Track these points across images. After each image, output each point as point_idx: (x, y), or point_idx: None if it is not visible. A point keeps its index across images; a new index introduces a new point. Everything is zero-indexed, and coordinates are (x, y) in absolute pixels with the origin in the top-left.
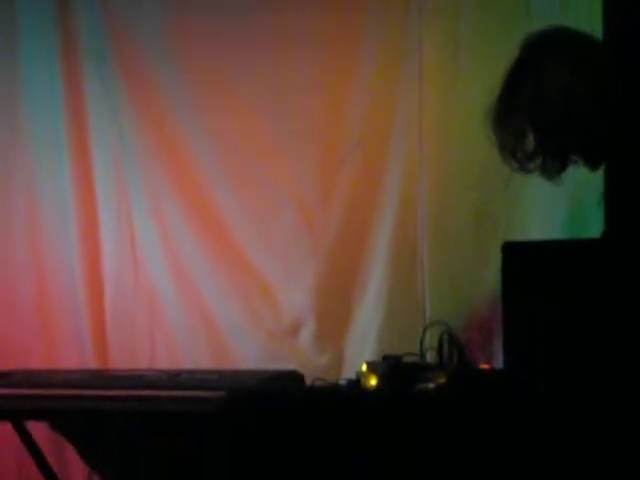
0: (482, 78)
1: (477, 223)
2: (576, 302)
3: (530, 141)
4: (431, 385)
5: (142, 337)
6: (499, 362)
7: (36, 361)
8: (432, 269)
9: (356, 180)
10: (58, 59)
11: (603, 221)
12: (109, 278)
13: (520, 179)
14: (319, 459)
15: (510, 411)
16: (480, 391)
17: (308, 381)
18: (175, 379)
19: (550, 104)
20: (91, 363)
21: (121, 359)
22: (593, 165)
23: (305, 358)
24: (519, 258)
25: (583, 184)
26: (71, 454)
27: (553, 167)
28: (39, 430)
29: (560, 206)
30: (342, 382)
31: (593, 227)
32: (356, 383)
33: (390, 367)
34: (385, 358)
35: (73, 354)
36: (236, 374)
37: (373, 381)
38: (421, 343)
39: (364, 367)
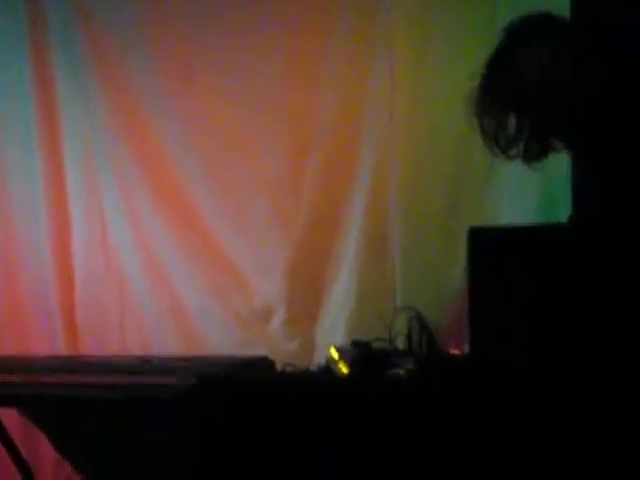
0: (453, 65)
1: (448, 210)
2: (541, 287)
3: (512, 126)
4: (401, 371)
5: (112, 323)
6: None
7: (7, 347)
8: (403, 256)
9: (327, 168)
10: (27, 47)
11: None
12: (79, 265)
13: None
14: (289, 444)
15: (477, 396)
16: (450, 376)
17: (278, 367)
18: (145, 365)
19: (532, 87)
20: (61, 349)
21: (91, 345)
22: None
23: (275, 344)
24: (485, 243)
25: (555, 170)
26: (41, 440)
27: (534, 152)
28: (9, 417)
29: (532, 193)
30: (313, 368)
31: (565, 211)
32: (326, 369)
33: (360, 353)
34: (354, 344)
35: (44, 340)
36: (206, 360)
37: (342, 367)
38: (390, 329)
39: (334, 353)
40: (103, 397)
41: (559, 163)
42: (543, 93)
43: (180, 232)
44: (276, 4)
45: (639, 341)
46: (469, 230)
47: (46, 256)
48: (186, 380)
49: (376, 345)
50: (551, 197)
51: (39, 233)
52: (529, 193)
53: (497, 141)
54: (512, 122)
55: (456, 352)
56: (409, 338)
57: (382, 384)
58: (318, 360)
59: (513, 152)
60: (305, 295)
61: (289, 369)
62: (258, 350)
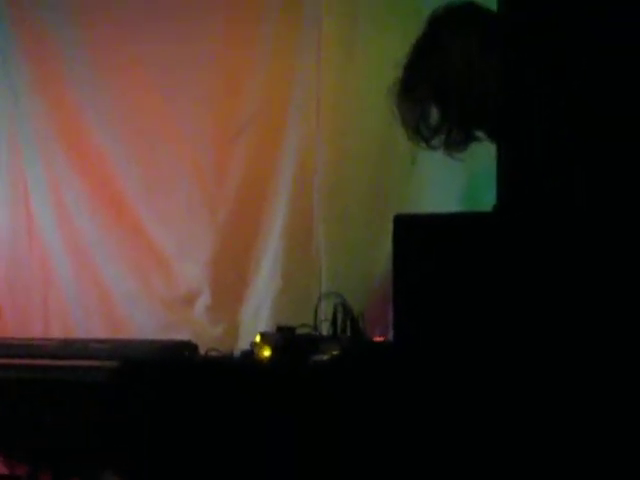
0: (380, 52)
1: (373, 196)
2: (465, 275)
3: (434, 115)
4: (324, 357)
5: (36, 307)
6: None
7: None
8: (328, 242)
9: (252, 153)
10: None
11: None
12: (2, 248)
13: (415, 152)
14: (211, 430)
15: (400, 382)
16: (373, 363)
17: (202, 351)
18: (69, 348)
19: (454, 75)
20: None
21: (14, 329)
22: (497, 140)
23: (199, 328)
24: (410, 231)
25: (479, 158)
26: None
27: (456, 142)
28: None
29: (456, 180)
30: (236, 353)
31: (488, 200)
32: (250, 354)
33: (284, 338)
34: (279, 329)
35: None
36: (130, 344)
37: (267, 352)
38: (315, 315)
39: (258, 338)
40: (26, 379)
41: (482, 152)
42: (466, 83)
43: (105, 216)
44: None
45: (557, 323)
46: (394, 217)
47: None
48: (110, 363)
49: (301, 331)
50: (473, 186)
51: None
52: (452, 181)
53: (419, 131)
54: (434, 112)
55: (380, 339)
56: (334, 324)
57: (305, 369)
58: (242, 345)
59: (435, 142)
60: (230, 280)
61: (213, 354)
62: (182, 334)
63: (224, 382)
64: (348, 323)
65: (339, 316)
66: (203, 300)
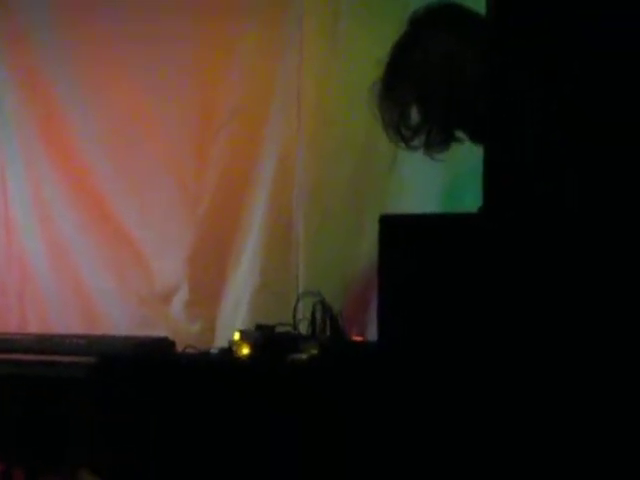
0: (362, 51)
1: (353, 194)
2: (451, 275)
3: (415, 116)
4: (303, 355)
5: (12, 302)
6: (373, 334)
7: None
8: (307, 240)
9: (232, 150)
10: None
11: (479, 195)
12: None
13: (396, 152)
14: (189, 427)
15: (381, 382)
16: (352, 363)
17: (180, 348)
18: (45, 343)
19: (434, 75)
20: None
21: None
22: (479, 141)
23: (177, 325)
24: (396, 231)
25: (459, 158)
26: None
27: (437, 143)
28: None
29: (436, 180)
30: (214, 350)
31: (469, 201)
32: (228, 351)
33: (263, 336)
34: (258, 327)
35: None
36: (107, 340)
37: (245, 350)
38: (294, 313)
39: (237, 335)
40: (1, 375)
41: (463, 153)
42: (446, 84)
43: (83, 212)
44: None
45: (543, 325)
46: (380, 217)
47: None
48: (87, 359)
49: (280, 329)
50: (454, 185)
51: None
52: (433, 181)
53: (399, 131)
54: (415, 112)
55: (359, 338)
56: (313, 323)
57: (284, 368)
58: (220, 343)
59: (415, 142)
60: (208, 277)
61: (190, 350)
62: (159, 331)
63: (202, 379)
64: (327, 322)
65: (318, 315)
66: (181, 296)
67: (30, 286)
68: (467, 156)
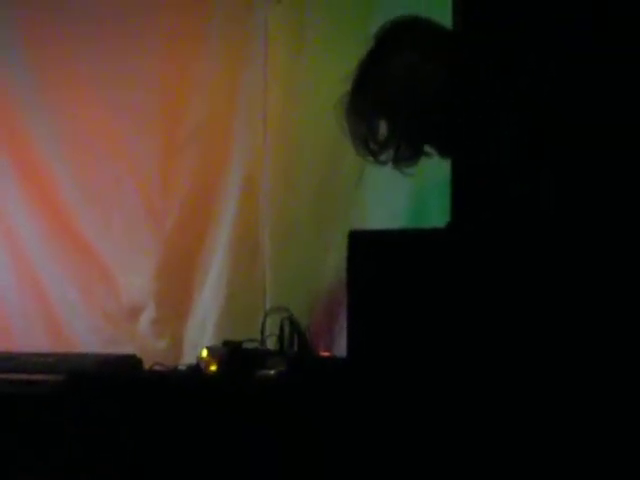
0: (328, 63)
1: (320, 210)
2: (420, 291)
3: (382, 130)
4: (271, 371)
5: None
6: (341, 349)
7: None
8: (273, 255)
9: (197, 165)
10: None
11: (445, 210)
12: None
13: (363, 167)
14: (156, 444)
15: (351, 397)
16: (320, 379)
17: (147, 365)
18: (11, 361)
19: (399, 90)
20: None
21: None
22: (447, 155)
23: (144, 342)
24: (365, 246)
25: (426, 172)
26: None
27: (405, 158)
28: None
29: (402, 194)
30: (181, 367)
31: (435, 216)
32: (196, 368)
33: (230, 353)
34: (225, 344)
35: None
36: (73, 357)
37: (213, 366)
38: (262, 329)
39: (204, 352)
40: None
41: (431, 167)
42: (410, 97)
43: (48, 227)
44: (146, 6)
45: (511, 338)
46: (350, 233)
47: None
48: (53, 376)
49: (247, 345)
50: (422, 200)
51: None
52: (400, 196)
53: (367, 146)
54: (383, 127)
55: (326, 353)
56: (280, 339)
57: (252, 385)
58: (187, 360)
59: (384, 157)
60: (174, 294)
61: (158, 368)
62: (126, 348)
63: (171, 397)
64: (295, 338)
65: (286, 330)
66: (148, 314)
67: None
68: (435, 170)
